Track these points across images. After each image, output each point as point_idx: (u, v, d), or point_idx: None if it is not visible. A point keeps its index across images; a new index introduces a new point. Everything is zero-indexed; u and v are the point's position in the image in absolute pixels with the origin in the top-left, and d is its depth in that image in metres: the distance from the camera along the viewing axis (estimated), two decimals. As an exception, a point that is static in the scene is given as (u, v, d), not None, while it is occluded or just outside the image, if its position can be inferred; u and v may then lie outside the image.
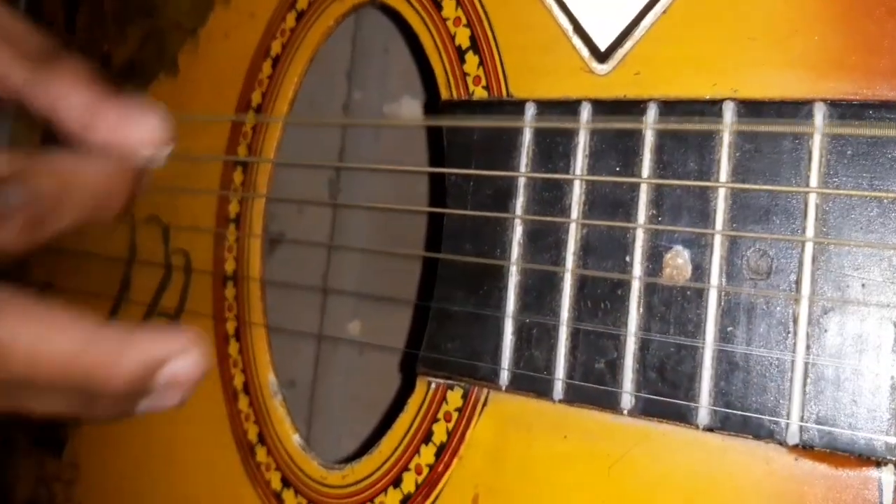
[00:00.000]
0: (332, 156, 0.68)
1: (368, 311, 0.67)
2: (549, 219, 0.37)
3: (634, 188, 0.35)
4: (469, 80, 0.42)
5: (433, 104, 0.44)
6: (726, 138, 0.33)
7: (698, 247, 0.34)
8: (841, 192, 0.31)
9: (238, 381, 0.49)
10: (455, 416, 0.40)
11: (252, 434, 0.48)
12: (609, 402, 0.35)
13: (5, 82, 0.41)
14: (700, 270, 0.33)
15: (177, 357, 0.39)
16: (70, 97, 0.40)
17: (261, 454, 0.47)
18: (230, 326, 0.50)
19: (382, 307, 0.67)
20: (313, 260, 0.67)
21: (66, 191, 0.39)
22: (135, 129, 0.40)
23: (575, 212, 0.37)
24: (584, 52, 0.38)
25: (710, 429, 0.33)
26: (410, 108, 0.69)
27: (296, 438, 0.46)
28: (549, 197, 0.38)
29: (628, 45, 0.37)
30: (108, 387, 0.38)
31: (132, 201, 0.42)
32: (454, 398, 0.40)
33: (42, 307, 0.39)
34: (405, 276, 0.63)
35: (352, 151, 0.68)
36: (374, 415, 0.66)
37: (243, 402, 0.48)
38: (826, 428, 0.31)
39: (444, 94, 0.43)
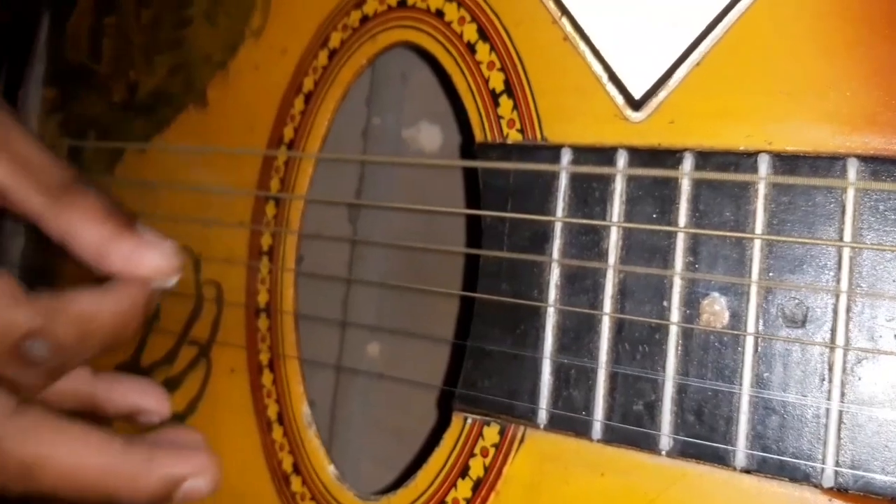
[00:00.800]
0: (351, 182, 0.69)
1: (387, 334, 0.68)
2: (586, 263, 0.38)
3: (671, 235, 0.36)
4: (503, 122, 0.43)
5: (467, 146, 0.45)
6: (762, 190, 0.35)
7: (735, 294, 0.35)
8: (874, 246, 0.33)
9: (272, 411, 0.50)
10: (492, 451, 0.41)
11: (287, 464, 0.49)
12: (648, 444, 0.36)
13: (23, 209, 0.42)
14: (737, 317, 0.35)
15: (195, 476, 0.43)
16: (85, 229, 0.42)
17: (296, 484, 0.48)
18: (263, 357, 0.51)
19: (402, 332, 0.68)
20: (333, 284, 0.68)
21: (84, 337, 0.41)
22: (146, 261, 0.42)
23: (612, 256, 0.38)
24: (619, 99, 0.39)
25: (746, 470, 0.34)
26: (429, 134, 0.70)
27: (331, 469, 0.47)
28: (587, 241, 0.39)
29: (662, 94, 0.38)
30: (132, 502, 0.42)
31: (142, 326, 0.44)
32: (491, 434, 0.41)
33: (76, 426, 0.41)
34: (425, 303, 0.65)
35: (370, 179, 0.69)
36: (393, 441, 0.67)
37: (277, 433, 0.49)
38: (860, 472, 0.32)
39: (479, 136, 0.44)
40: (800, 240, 0.34)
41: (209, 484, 0.43)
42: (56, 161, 0.44)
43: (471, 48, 0.45)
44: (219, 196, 0.55)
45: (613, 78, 0.40)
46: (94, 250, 0.42)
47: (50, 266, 0.64)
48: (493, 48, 0.44)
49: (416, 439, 0.62)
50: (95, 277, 0.43)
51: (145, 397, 0.49)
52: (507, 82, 0.43)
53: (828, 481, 0.32)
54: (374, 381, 0.67)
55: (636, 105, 0.39)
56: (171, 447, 0.44)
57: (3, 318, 0.39)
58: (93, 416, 0.49)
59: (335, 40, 0.51)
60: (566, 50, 0.41)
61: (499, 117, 0.43)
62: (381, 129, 0.69)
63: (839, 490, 0.32)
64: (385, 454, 0.65)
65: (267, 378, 0.50)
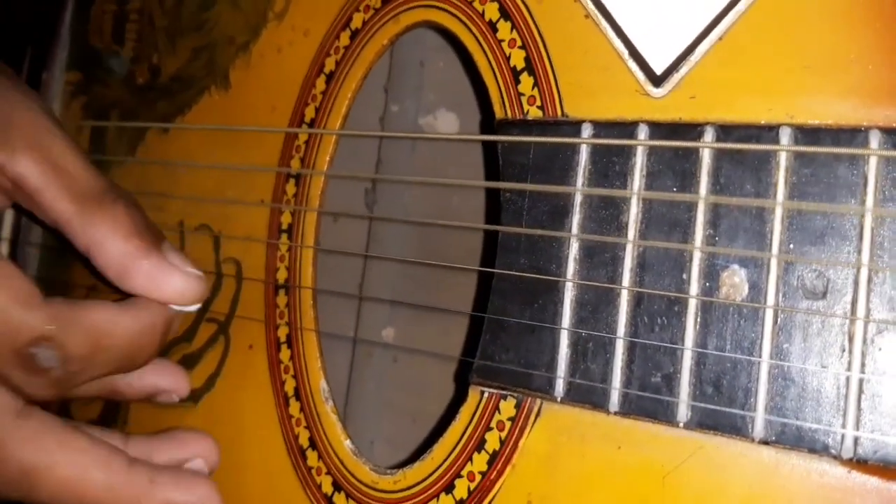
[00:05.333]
0: (369, 166, 0.70)
1: (402, 319, 0.69)
2: (605, 238, 0.39)
3: (692, 208, 0.37)
4: (524, 99, 0.43)
5: (487, 122, 0.45)
6: (783, 162, 0.35)
7: (755, 266, 0.35)
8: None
9: (289, 386, 0.50)
10: (508, 425, 0.41)
11: (303, 438, 0.49)
12: (665, 415, 0.36)
13: (52, 214, 0.42)
14: (756, 289, 0.35)
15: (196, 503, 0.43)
16: (110, 243, 0.41)
17: (312, 458, 0.48)
18: (282, 333, 0.51)
19: (415, 314, 0.68)
20: (350, 266, 0.69)
21: (96, 352, 0.40)
22: (168, 285, 0.42)
23: (632, 230, 0.38)
24: (640, 75, 0.40)
25: (765, 442, 0.34)
26: (446, 121, 0.71)
27: (347, 444, 0.47)
28: (606, 215, 0.39)
29: (684, 69, 0.38)
30: None
31: (159, 351, 0.44)
32: (507, 408, 0.41)
33: (82, 438, 0.41)
34: (440, 287, 0.65)
35: (388, 162, 0.69)
36: (407, 422, 0.67)
37: (294, 408, 0.50)
38: (880, 443, 0.32)
39: (499, 113, 0.44)
40: (822, 206, 0.34)
41: None
42: (91, 170, 0.43)
43: (492, 26, 0.45)
44: (239, 175, 0.55)
45: (635, 54, 0.40)
46: (116, 266, 0.41)
47: (66, 282, 0.65)
48: (514, 26, 0.44)
49: (429, 421, 0.62)
50: (114, 298, 0.43)
51: (164, 378, 0.49)
52: (527, 60, 0.43)
53: (847, 452, 0.32)
54: (388, 363, 0.68)
55: (657, 81, 0.39)
56: (175, 472, 0.44)
57: (14, 319, 0.38)
58: (111, 398, 0.50)
59: (357, 21, 0.51)
60: (587, 27, 0.41)
61: (519, 94, 0.43)
62: (398, 117, 0.70)
63: (858, 461, 0.32)
64: (398, 435, 0.65)
65: (285, 354, 0.51)
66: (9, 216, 0.68)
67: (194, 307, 0.44)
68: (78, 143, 0.45)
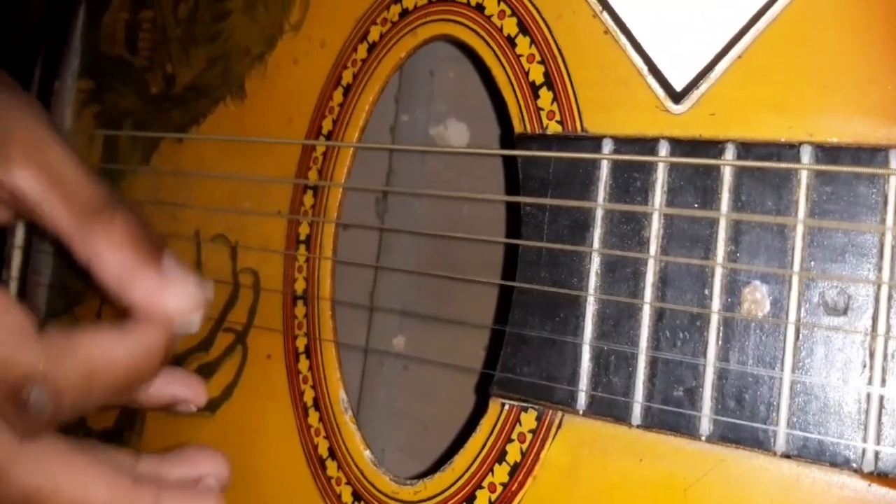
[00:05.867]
0: (380, 178, 0.70)
1: (413, 330, 0.69)
2: (627, 254, 0.39)
3: (713, 224, 0.37)
4: (543, 114, 0.44)
5: (506, 141, 0.46)
6: (804, 179, 0.35)
7: (776, 282, 0.36)
8: (917, 234, 0.33)
9: (308, 396, 0.51)
10: (529, 437, 0.41)
11: (322, 448, 0.49)
12: (688, 428, 0.36)
13: (52, 225, 0.42)
14: (778, 305, 0.35)
15: None
16: (110, 255, 0.41)
17: (331, 468, 0.49)
18: (300, 343, 0.52)
19: (426, 324, 0.69)
20: (361, 280, 0.69)
21: (91, 384, 0.40)
22: (168, 298, 0.41)
23: (653, 246, 0.39)
24: (660, 91, 0.40)
25: (786, 455, 0.35)
26: (456, 131, 0.71)
27: (367, 454, 0.48)
28: (628, 230, 0.39)
29: (704, 87, 0.39)
30: None
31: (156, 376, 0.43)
32: (528, 420, 0.42)
33: (85, 458, 0.41)
34: (452, 301, 0.65)
35: (399, 173, 0.70)
36: (420, 431, 0.68)
37: (313, 418, 0.50)
38: (900, 457, 0.33)
39: (518, 128, 0.44)
40: (842, 225, 0.34)
41: None
42: (92, 181, 0.43)
43: (511, 41, 0.45)
44: (255, 185, 0.55)
45: (654, 71, 0.40)
46: (115, 279, 0.41)
47: (79, 287, 0.65)
48: (533, 41, 0.44)
49: (440, 429, 0.62)
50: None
51: (181, 388, 0.49)
52: (546, 75, 0.44)
53: (868, 465, 0.33)
54: (399, 371, 0.68)
55: (677, 97, 0.40)
56: (181, 490, 0.44)
57: (5, 355, 0.38)
58: (128, 406, 0.50)
59: (374, 34, 0.52)
60: (607, 43, 0.42)
61: (538, 109, 0.44)
62: (408, 126, 0.70)
63: (879, 474, 0.33)
64: (410, 444, 0.66)
65: (303, 364, 0.51)
66: (17, 256, 0.68)
67: (196, 327, 0.43)
68: (77, 151, 0.44)
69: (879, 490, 0.33)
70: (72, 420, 0.42)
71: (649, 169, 0.39)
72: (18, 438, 0.40)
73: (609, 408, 0.39)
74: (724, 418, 0.36)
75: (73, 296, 0.66)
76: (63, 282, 0.67)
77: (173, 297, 0.42)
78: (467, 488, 0.43)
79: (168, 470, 0.45)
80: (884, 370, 0.33)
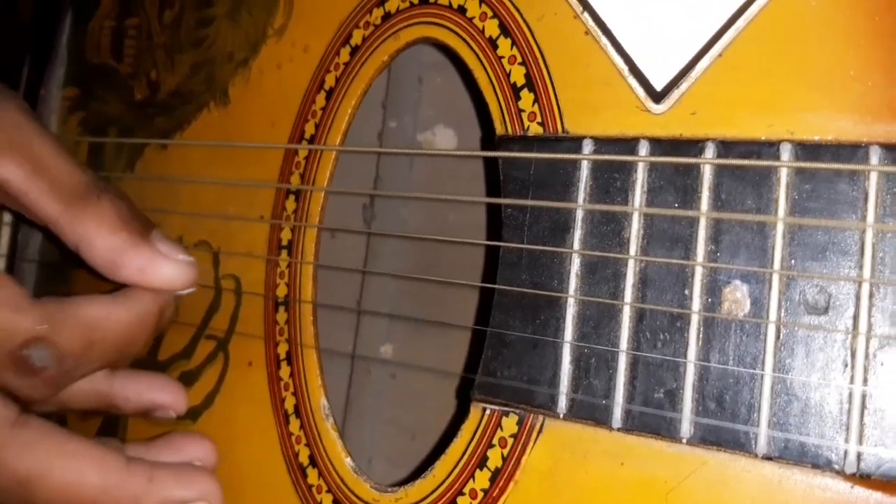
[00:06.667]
0: (367, 182, 0.70)
1: (400, 337, 0.68)
2: (607, 254, 0.39)
3: (693, 224, 0.37)
4: (524, 115, 0.43)
5: (487, 143, 0.45)
6: (784, 177, 0.35)
7: (757, 281, 0.35)
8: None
9: (289, 403, 0.50)
10: (510, 442, 0.41)
11: (303, 456, 0.49)
12: (668, 431, 0.36)
13: (38, 214, 0.42)
14: (758, 304, 0.35)
15: (196, 501, 0.43)
16: (98, 238, 0.42)
17: (312, 476, 0.48)
18: (282, 350, 0.51)
19: (413, 331, 0.68)
20: (347, 286, 0.69)
21: (89, 347, 0.40)
22: (159, 274, 0.42)
23: (633, 246, 0.38)
24: (640, 91, 0.40)
25: (768, 457, 0.34)
26: (444, 137, 0.71)
27: (348, 461, 0.47)
28: (608, 231, 0.39)
29: (684, 86, 0.39)
30: None
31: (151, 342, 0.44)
32: (509, 425, 0.41)
33: (77, 442, 0.41)
34: (438, 305, 0.65)
35: (386, 179, 0.69)
36: (406, 440, 0.67)
37: (294, 425, 0.49)
38: (883, 458, 0.32)
39: (499, 129, 0.44)
40: (822, 222, 0.34)
41: None
42: (75, 166, 0.43)
43: (492, 43, 0.45)
44: (239, 191, 0.55)
45: (635, 70, 0.40)
46: (106, 260, 0.42)
47: (67, 264, 0.65)
48: (514, 43, 0.44)
49: (428, 438, 0.62)
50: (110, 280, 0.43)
51: (162, 394, 0.49)
52: (528, 76, 0.43)
53: (850, 467, 0.32)
54: (387, 379, 0.67)
55: (658, 97, 0.39)
56: (174, 469, 0.44)
57: (5, 322, 0.38)
58: (108, 412, 0.49)
59: (357, 37, 0.51)
60: (587, 44, 0.42)
61: (520, 111, 0.43)
62: (396, 132, 0.70)
63: (861, 476, 0.32)
64: (397, 453, 0.65)
65: (285, 371, 0.51)
66: (6, 233, 0.68)
67: (189, 290, 0.45)
68: (59, 140, 0.45)
69: (862, 492, 0.33)
70: (65, 404, 0.42)
71: (629, 169, 0.39)
72: (18, 414, 0.40)
73: (590, 411, 0.38)
74: (704, 420, 0.35)
75: (63, 274, 0.65)
76: (48, 290, 0.67)
77: (164, 272, 0.43)
78: (448, 494, 0.43)
79: (156, 455, 0.45)
80: (865, 369, 0.33)
